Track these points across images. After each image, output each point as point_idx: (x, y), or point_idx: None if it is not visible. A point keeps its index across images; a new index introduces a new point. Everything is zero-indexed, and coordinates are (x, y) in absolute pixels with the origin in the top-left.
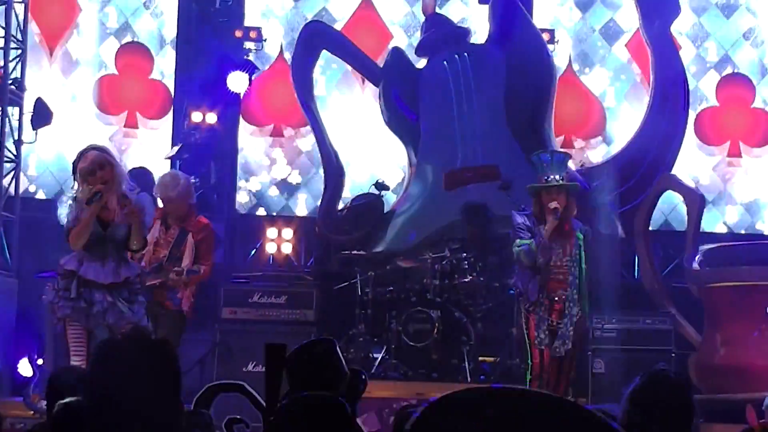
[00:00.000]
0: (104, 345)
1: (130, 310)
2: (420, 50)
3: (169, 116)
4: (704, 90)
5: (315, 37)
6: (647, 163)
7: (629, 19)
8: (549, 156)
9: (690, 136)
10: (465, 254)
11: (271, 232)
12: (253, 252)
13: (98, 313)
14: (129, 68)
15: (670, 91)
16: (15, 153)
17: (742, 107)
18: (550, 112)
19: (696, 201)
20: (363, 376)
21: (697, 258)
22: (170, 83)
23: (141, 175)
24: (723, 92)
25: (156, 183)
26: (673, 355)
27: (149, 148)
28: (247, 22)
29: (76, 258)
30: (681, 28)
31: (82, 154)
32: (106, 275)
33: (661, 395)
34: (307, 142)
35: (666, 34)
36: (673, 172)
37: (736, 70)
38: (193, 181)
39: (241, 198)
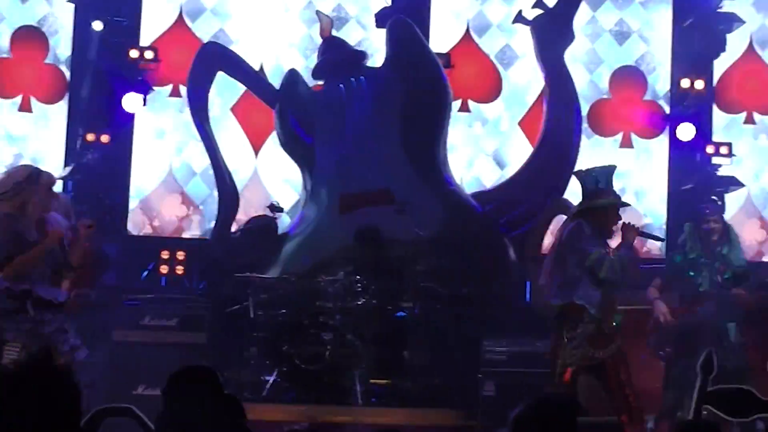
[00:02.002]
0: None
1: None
2: (316, 73)
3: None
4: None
5: (211, 58)
6: (539, 187)
7: (524, 44)
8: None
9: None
10: (358, 277)
11: (164, 254)
12: (145, 274)
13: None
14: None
15: (563, 118)
16: None
17: (635, 99)
18: (445, 137)
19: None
20: (240, 403)
21: None
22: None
23: None
24: (616, 85)
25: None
26: None
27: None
28: (143, 42)
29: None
30: (576, 53)
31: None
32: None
33: (547, 419)
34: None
35: (560, 60)
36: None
37: None
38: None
39: (135, 219)
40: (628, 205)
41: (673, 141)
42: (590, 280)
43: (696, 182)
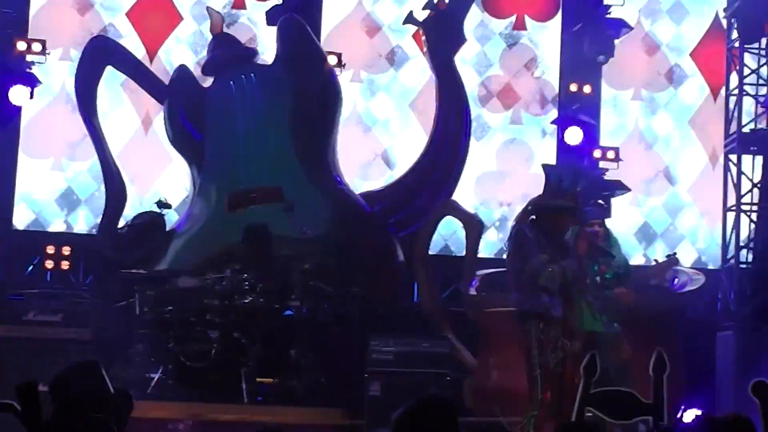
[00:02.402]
0: None
1: None
2: (207, 69)
3: None
4: (488, 120)
5: (100, 53)
6: (428, 188)
7: (415, 46)
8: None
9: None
10: (245, 275)
11: (50, 249)
12: (30, 269)
13: None
14: None
15: (453, 120)
16: None
17: None
18: (335, 136)
19: (474, 227)
20: (129, 397)
21: (474, 283)
22: None
23: None
24: None
25: None
26: (449, 378)
27: None
28: (31, 34)
29: None
30: (466, 56)
31: None
32: None
33: (428, 420)
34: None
35: (451, 63)
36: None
37: (521, 99)
38: None
39: (20, 214)
40: (584, 214)
41: (561, 145)
42: (532, 287)
43: (582, 186)
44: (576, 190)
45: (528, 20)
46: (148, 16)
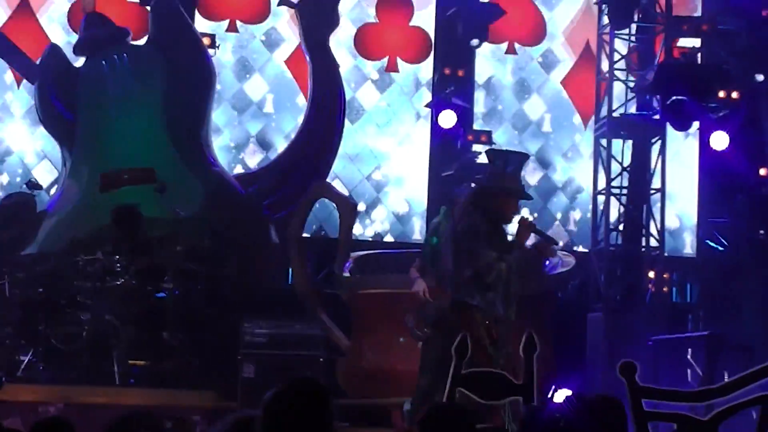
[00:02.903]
0: None
1: None
2: (78, 49)
3: None
4: (361, 100)
5: None
6: (302, 170)
7: (289, 29)
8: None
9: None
10: (117, 257)
11: None
12: None
13: None
14: None
15: (327, 103)
16: None
17: (401, 24)
18: (208, 117)
19: (348, 209)
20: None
21: (347, 265)
22: None
23: None
24: (382, 10)
25: None
26: (323, 360)
27: None
28: None
29: None
30: (340, 38)
31: None
32: None
33: (298, 401)
34: None
35: (325, 45)
36: None
37: (395, 82)
38: None
39: None
40: (530, 198)
41: (434, 128)
42: (478, 284)
43: (456, 169)
44: (521, 175)
45: None
46: None
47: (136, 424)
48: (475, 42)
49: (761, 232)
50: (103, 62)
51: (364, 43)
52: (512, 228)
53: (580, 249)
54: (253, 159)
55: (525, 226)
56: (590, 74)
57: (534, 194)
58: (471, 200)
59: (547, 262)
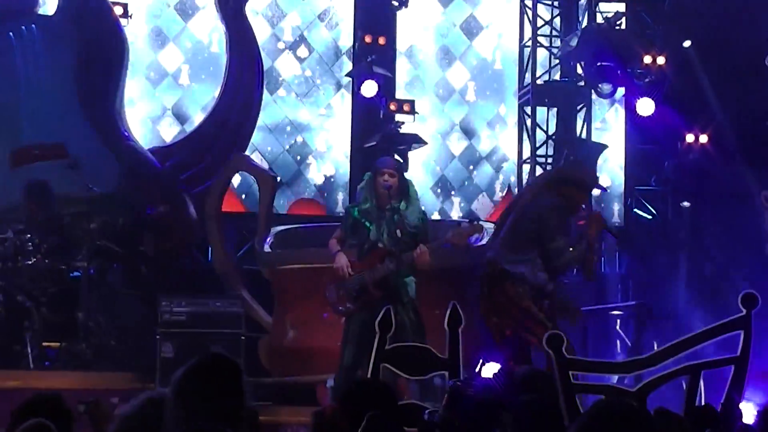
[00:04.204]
0: None
1: None
2: None
3: None
4: (280, 69)
5: None
6: (220, 143)
7: None
8: None
9: None
10: (29, 236)
11: None
12: None
13: None
14: None
15: (245, 72)
16: None
17: None
18: (122, 89)
19: (269, 182)
20: None
21: (268, 240)
22: None
23: None
24: None
25: None
26: (243, 338)
27: None
28: None
29: None
30: (257, 7)
31: None
32: None
33: (210, 379)
34: None
35: (241, 13)
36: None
37: (314, 51)
38: None
39: None
40: (605, 189)
41: (356, 98)
42: (541, 262)
43: (378, 140)
44: (595, 166)
45: None
46: None
47: (41, 407)
48: (395, 4)
49: (686, 204)
50: (11, 34)
51: None
52: None
53: None
54: (169, 132)
55: (596, 220)
56: None
57: (458, 165)
58: (546, 182)
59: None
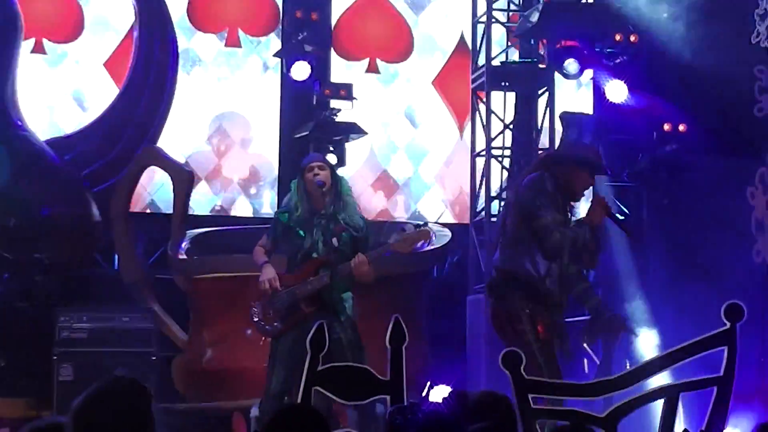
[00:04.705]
0: None
1: None
2: None
3: None
4: (197, 49)
5: None
6: (128, 133)
7: None
8: None
9: None
10: None
11: None
12: None
13: None
14: None
15: (156, 52)
16: None
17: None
18: (13, 73)
19: (184, 179)
20: None
21: (183, 245)
22: None
23: None
24: None
25: None
26: (155, 358)
27: None
28: None
29: None
30: None
31: None
32: None
33: (113, 409)
34: None
35: None
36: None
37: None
38: None
39: None
40: (606, 172)
41: (285, 81)
42: (535, 246)
43: (311, 129)
44: (599, 145)
45: None
46: None
47: None
48: None
49: (664, 201)
50: None
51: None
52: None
53: (457, 221)
54: (69, 120)
55: (601, 205)
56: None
57: (403, 157)
58: (539, 165)
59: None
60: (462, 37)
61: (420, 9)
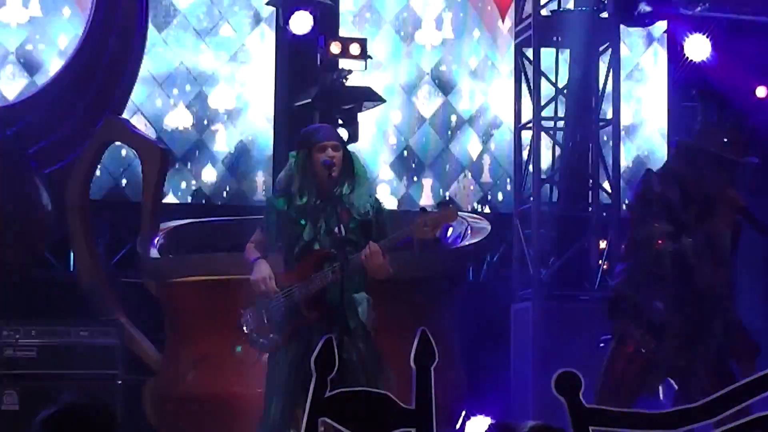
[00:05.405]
0: None
1: None
2: None
3: None
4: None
5: None
6: (86, 102)
7: None
8: None
9: None
10: None
11: None
12: None
13: None
14: None
15: (121, 2)
16: None
17: None
18: None
19: (156, 157)
20: None
21: (156, 240)
22: None
23: None
24: None
25: None
26: (120, 382)
27: None
28: None
29: None
30: None
31: None
32: None
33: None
34: None
35: None
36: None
37: None
38: None
39: None
40: (753, 164)
41: (284, 35)
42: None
43: (315, 95)
44: (742, 135)
45: None
46: None
47: None
48: None
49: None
50: None
51: None
52: None
53: (498, 210)
54: (13, 86)
55: (730, 199)
56: None
57: (430, 130)
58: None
59: (448, 232)
60: None
61: None
